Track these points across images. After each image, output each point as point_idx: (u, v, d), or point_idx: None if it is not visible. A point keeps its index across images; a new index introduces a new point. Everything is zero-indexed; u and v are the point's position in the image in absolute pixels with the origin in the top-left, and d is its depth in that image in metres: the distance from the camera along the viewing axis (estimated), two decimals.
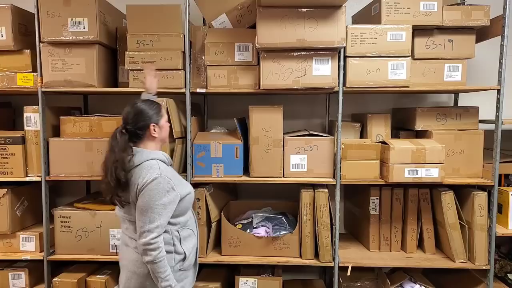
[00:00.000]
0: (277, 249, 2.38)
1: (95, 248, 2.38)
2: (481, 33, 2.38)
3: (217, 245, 2.49)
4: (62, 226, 2.38)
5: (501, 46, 2.22)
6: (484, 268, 2.30)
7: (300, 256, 2.38)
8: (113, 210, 2.35)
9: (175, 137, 2.30)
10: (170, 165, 1.81)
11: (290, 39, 2.16)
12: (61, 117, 2.38)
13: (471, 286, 2.38)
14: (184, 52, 2.32)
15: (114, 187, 1.62)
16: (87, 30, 2.28)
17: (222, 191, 2.61)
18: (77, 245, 2.38)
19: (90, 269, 2.48)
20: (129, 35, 2.32)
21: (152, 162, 1.65)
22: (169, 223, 1.66)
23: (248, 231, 2.41)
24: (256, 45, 2.17)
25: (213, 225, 2.41)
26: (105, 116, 2.38)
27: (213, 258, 2.40)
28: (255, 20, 2.19)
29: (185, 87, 2.32)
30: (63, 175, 2.37)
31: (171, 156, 2.29)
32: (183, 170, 2.44)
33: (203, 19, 2.54)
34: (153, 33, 2.31)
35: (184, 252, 1.73)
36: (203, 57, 2.34)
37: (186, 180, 2.31)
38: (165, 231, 1.66)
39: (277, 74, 2.23)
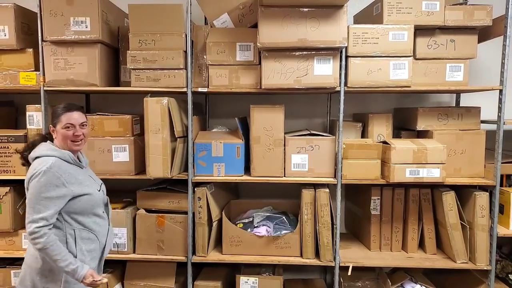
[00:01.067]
0: (278, 248, 2.38)
1: None
2: (483, 33, 2.37)
3: (218, 244, 2.49)
4: None
5: (503, 46, 2.21)
6: (485, 268, 2.29)
7: (301, 256, 2.38)
8: (115, 208, 2.37)
9: (176, 136, 2.31)
10: (83, 165, 1.80)
11: (292, 39, 2.16)
12: None
13: (472, 287, 2.38)
14: (185, 52, 2.32)
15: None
16: (89, 29, 2.29)
17: (223, 191, 2.62)
18: None
19: None
20: (131, 34, 2.32)
21: (48, 158, 1.67)
22: (64, 219, 1.69)
23: (249, 230, 2.41)
24: (258, 44, 2.17)
25: (214, 224, 2.41)
26: (107, 115, 2.39)
27: (214, 257, 2.41)
28: (256, 20, 2.19)
29: (187, 87, 2.33)
30: None
31: (173, 155, 2.31)
32: (184, 169, 2.44)
33: (205, 18, 2.55)
34: (155, 32, 2.31)
35: (76, 254, 1.70)
36: (204, 57, 2.35)
37: (188, 178, 2.34)
38: (58, 227, 1.67)
39: (278, 74, 2.24)
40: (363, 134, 2.54)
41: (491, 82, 2.35)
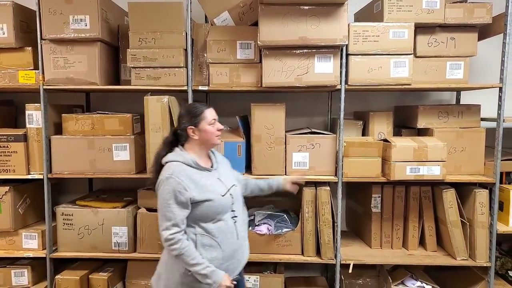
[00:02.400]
0: (279, 246, 2.39)
1: (97, 245, 2.39)
2: (483, 31, 2.37)
3: None
4: (64, 223, 2.38)
5: (503, 44, 2.22)
6: (485, 265, 2.31)
7: (302, 254, 2.39)
8: (116, 207, 2.37)
9: None
10: (211, 169, 1.77)
11: (292, 37, 2.16)
12: (63, 114, 2.38)
13: (472, 283, 2.39)
14: (186, 50, 2.31)
15: (152, 177, 1.77)
16: (88, 28, 2.28)
17: None
18: (80, 243, 2.39)
19: (93, 267, 2.49)
20: (131, 32, 2.31)
21: (173, 164, 1.69)
22: (188, 224, 1.68)
23: (250, 228, 2.41)
24: (258, 42, 2.16)
25: None
26: (107, 113, 2.38)
27: None
28: (257, 18, 2.18)
29: (187, 85, 2.32)
30: (65, 172, 2.37)
31: None
32: None
33: (205, 16, 2.54)
34: (155, 30, 2.30)
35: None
36: (205, 55, 2.34)
37: None
38: (184, 232, 1.67)
39: (279, 72, 2.23)
40: (364, 132, 2.54)
41: (491, 80, 2.35)
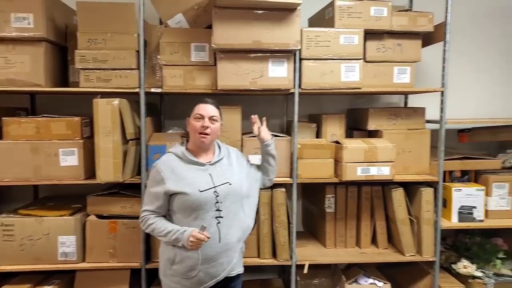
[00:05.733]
0: None
1: (42, 257, 2.25)
2: (427, 38, 2.52)
3: None
4: (4, 235, 2.22)
5: (444, 51, 2.36)
6: (431, 260, 2.43)
7: (258, 256, 2.39)
8: (62, 215, 2.25)
9: (128, 138, 2.24)
10: (199, 163, 1.77)
11: (246, 41, 2.17)
12: (3, 118, 2.23)
13: (420, 278, 2.51)
14: (138, 52, 2.25)
15: None
16: (32, 26, 2.16)
17: None
18: (21, 255, 2.23)
19: (36, 280, 2.32)
20: (80, 33, 2.22)
21: (166, 154, 1.83)
22: (169, 215, 1.80)
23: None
24: (213, 45, 2.15)
25: None
26: (54, 117, 2.26)
27: None
28: (211, 21, 2.17)
29: (140, 87, 2.26)
30: (6, 179, 2.22)
31: (124, 159, 2.23)
32: (137, 173, 2.37)
33: (160, 18, 2.49)
34: (106, 31, 2.22)
35: (175, 256, 1.74)
36: (158, 57, 2.29)
37: (141, 182, 2.26)
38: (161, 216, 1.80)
39: (234, 75, 2.23)
40: (318, 134, 2.60)
41: (435, 84, 2.49)
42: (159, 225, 1.73)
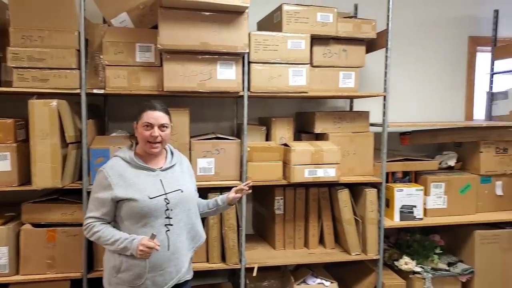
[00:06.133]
0: None
1: None
2: (370, 45, 2.62)
3: None
4: None
5: (386, 57, 2.47)
6: (375, 258, 2.52)
7: (207, 261, 2.36)
8: None
9: (68, 141, 2.13)
10: (149, 168, 1.71)
11: (194, 42, 2.13)
12: None
13: (365, 275, 2.60)
14: (79, 51, 2.15)
15: None
16: None
17: None
18: None
19: None
20: (13, 29, 2.07)
21: (113, 158, 1.74)
22: (116, 221, 1.71)
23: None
24: (158, 46, 2.10)
25: None
26: None
27: None
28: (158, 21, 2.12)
29: (80, 88, 2.15)
30: None
31: (64, 163, 2.12)
32: (78, 177, 2.26)
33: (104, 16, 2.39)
34: (43, 28, 2.09)
35: (120, 264, 1.66)
36: (101, 56, 2.20)
37: (82, 187, 2.16)
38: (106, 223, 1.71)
39: (181, 76, 2.19)
40: (268, 137, 2.61)
41: (378, 89, 2.59)
42: (106, 233, 1.64)
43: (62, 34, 2.12)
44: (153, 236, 1.58)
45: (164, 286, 1.69)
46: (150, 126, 1.69)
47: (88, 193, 2.18)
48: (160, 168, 1.74)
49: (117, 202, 1.66)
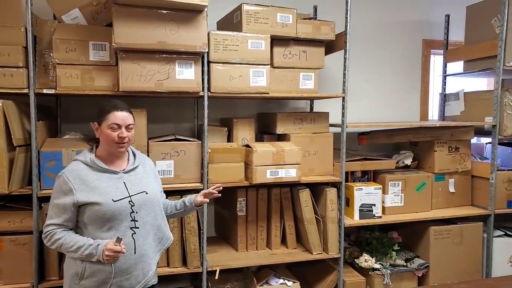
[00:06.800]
0: None
1: None
2: (329, 46, 2.65)
3: None
4: None
5: (344, 59, 2.51)
6: (336, 256, 2.56)
7: (168, 265, 2.30)
8: None
9: (15, 144, 2.00)
10: (111, 171, 1.66)
11: (151, 41, 2.07)
12: None
13: (326, 274, 2.64)
14: (26, 48, 2.03)
15: None
16: None
17: None
18: None
19: None
20: None
21: (73, 162, 1.68)
22: (78, 227, 1.64)
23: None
24: (113, 44, 2.02)
25: None
26: None
27: None
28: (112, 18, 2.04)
29: (29, 88, 2.04)
30: None
31: (11, 167, 1.99)
32: (28, 182, 2.13)
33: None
34: None
35: (83, 270, 1.59)
36: (51, 55, 2.09)
37: (32, 193, 2.04)
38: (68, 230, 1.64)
39: (138, 76, 2.12)
40: (229, 138, 2.59)
41: (337, 90, 2.64)
42: (68, 240, 1.57)
43: (7, 30, 2.00)
44: (118, 240, 1.54)
45: None
46: (117, 127, 1.64)
47: (39, 198, 2.08)
48: (123, 170, 1.69)
49: (79, 207, 1.60)
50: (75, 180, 1.59)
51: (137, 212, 1.65)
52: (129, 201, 1.64)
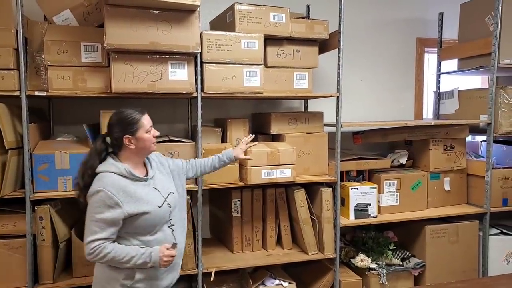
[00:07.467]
0: None
1: None
2: (323, 46, 2.65)
3: (69, 267, 2.23)
4: None
5: (338, 58, 2.50)
6: (331, 256, 2.55)
7: None
8: None
9: (7, 147, 1.99)
10: (146, 178, 1.69)
11: (143, 41, 2.06)
12: None
13: (323, 274, 2.62)
14: (17, 50, 2.01)
15: (79, 188, 1.64)
16: None
17: (73, 207, 2.33)
18: None
19: None
20: None
21: (105, 175, 1.60)
22: (122, 237, 1.63)
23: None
24: (105, 45, 2.00)
25: (62, 245, 2.14)
26: None
27: (63, 282, 2.15)
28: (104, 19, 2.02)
29: (20, 90, 2.02)
30: None
31: (3, 170, 1.98)
32: (21, 185, 2.11)
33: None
34: None
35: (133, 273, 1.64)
36: (43, 56, 2.07)
37: (25, 196, 2.02)
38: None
39: (130, 77, 2.11)
40: (224, 139, 2.57)
41: (332, 90, 2.63)
42: (119, 252, 1.58)
43: None
44: (174, 245, 1.66)
45: (175, 277, 1.81)
46: (151, 127, 1.72)
47: (32, 202, 2.06)
48: (149, 176, 1.73)
49: (126, 219, 1.60)
50: (119, 193, 1.58)
51: (172, 212, 1.74)
52: (167, 204, 1.71)
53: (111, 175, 1.60)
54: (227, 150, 2.11)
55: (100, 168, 1.62)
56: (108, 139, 1.67)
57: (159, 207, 1.66)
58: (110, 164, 1.64)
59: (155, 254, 1.61)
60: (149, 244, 1.64)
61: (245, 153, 2.21)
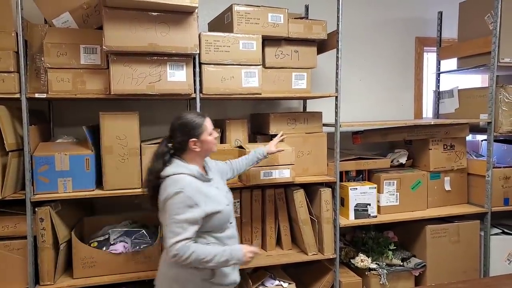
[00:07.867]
0: (138, 263, 2.25)
1: None
2: (321, 46, 2.65)
3: (69, 268, 2.24)
4: None
5: (337, 58, 2.51)
6: (331, 257, 2.54)
7: None
8: None
9: (8, 149, 2.01)
10: (210, 178, 1.77)
11: (142, 43, 2.07)
12: None
13: (322, 275, 2.62)
14: (17, 53, 2.03)
15: (148, 192, 1.73)
16: None
17: (73, 208, 2.36)
18: None
19: None
20: None
21: (180, 176, 1.65)
22: (198, 236, 1.67)
23: (104, 248, 2.23)
24: (104, 47, 2.02)
25: (62, 246, 2.15)
26: None
27: (64, 283, 2.14)
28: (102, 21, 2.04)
29: (20, 92, 2.04)
30: None
31: (4, 172, 1.99)
32: (21, 187, 2.13)
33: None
34: None
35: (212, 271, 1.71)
36: (42, 59, 2.09)
37: (25, 198, 2.04)
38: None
39: (129, 79, 2.12)
40: (222, 140, 2.58)
41: (330, 90, 2.63)
42: (200, 252, 1.62)
43: None
44: (256, 244, 1.81)
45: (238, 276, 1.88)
46: (213, 130, 1.80)
47: (33, 203, 2.07)
48: (209, 176, 1.80)
49: (203, 218, 1.66)
50: (196, 194, 1.64)
51: (231, 210, 1.84)
52: (230, 202, 1.82)
53: (184, 176, 1.66)
54: (259, 147, 2.22)
55: (170, 170, 1.67)
56: (169, 144, 1.75)
57: (227, 205, 1.76)
58: (180, 166, 1.69)
59: (236, 251, 1.67)
60: (222, 240, 1.73)
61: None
